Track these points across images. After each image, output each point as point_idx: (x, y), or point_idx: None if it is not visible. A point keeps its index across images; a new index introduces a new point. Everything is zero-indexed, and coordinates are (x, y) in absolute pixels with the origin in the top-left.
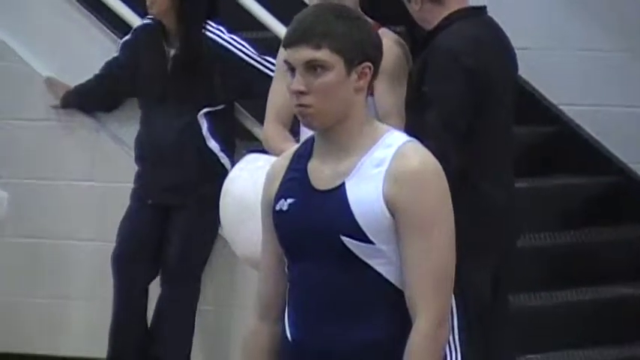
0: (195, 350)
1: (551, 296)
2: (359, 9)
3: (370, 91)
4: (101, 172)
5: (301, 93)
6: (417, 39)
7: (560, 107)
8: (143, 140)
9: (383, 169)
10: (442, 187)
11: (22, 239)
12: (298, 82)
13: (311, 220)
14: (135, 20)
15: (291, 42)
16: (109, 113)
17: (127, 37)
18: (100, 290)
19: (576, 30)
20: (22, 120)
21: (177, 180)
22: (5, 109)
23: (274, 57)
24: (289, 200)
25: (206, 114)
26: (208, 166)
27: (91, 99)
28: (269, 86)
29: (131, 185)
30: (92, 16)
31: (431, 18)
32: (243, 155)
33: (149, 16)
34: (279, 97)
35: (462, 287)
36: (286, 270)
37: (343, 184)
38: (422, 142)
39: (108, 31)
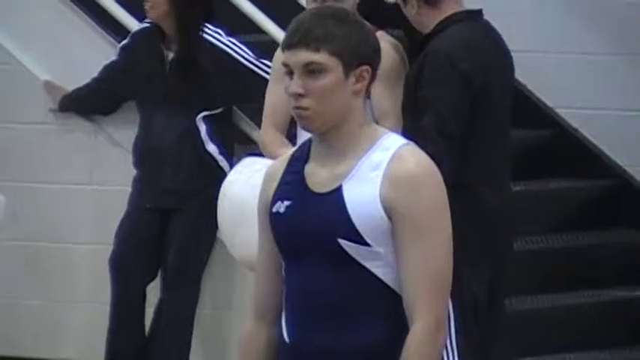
0: (193, 353)
1: (547, 299)
2: (356, 12)
3: (367, 94)
4: (99, 175)
5: (299, 95)
6: (414, 43)
7: (557, 110)
8: (141, 144)
9: (380, 172)
10: (439, 190)
11: (19, 242)
12: (296, 85)
13: (308, 223)
14: (133, 24)
15: (290, 44)
16: (106, 117)
17: (125, 41)
18: (97, 293)
19: (573, 33)
20: (19, 123)
21: (176, 183)
22: (3, 112)
23: (272, 60)
24: (286, 202)
25: (204, 117)
26: (207, 170)
27: (88, 103)
28: (265, 89)
29: (129, 189)
30: (90, 20)
31: (427, 22)
32: (241, 159)
33: (147, 20)
34: (275, 100)
35: (459, 290)
36: (283, 272)
37: (340, 186)
38: (418, 145)
39: (106, 34)
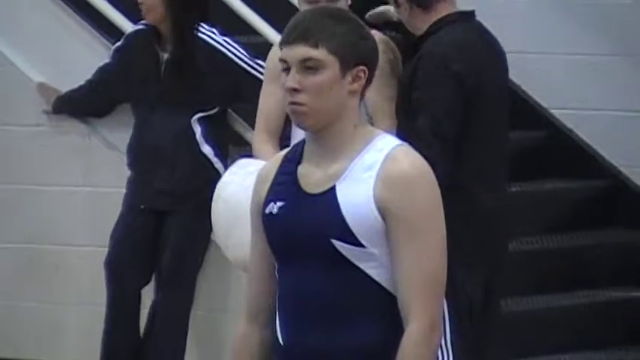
0: (188, 355)
1: (543, 300)
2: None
3: (363, 95)
4: (93, 177)
5: (295, 90)
6: (408, 44)
7: (552, 111)
8: (136, 144)
9: (373, 173)
10: (433, 190)
11: (14, 245)
12: (293, 80)
13: (301, 224)
14: (127, 26)
15: (289, 40)
16: (100, 119)
17: (119, 43)
18: (94, 295)
19: (567, 34)
20: (13, 125)
21: (170, 185)
22: None
23: (265, 61)
24: (279, 203)
25: (200, 119)
26: (202, 171)
27: (82, 105)
28: (259, 89)
29: (123, 190)
30: (84, 22)
31: (419, 24)
32: (235, 160)
33: (143, 22)
34: (268, 103)
35: (454, 291)
36: (276, 273)
37: (334, 187)
38: (413, 147)
39: (100, 36)
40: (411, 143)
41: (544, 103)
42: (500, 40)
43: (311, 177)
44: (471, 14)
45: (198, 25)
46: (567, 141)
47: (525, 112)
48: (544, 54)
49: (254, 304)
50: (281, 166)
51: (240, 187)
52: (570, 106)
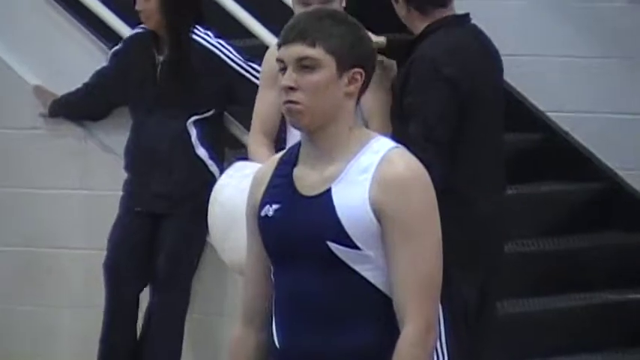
0: (184, 358)
1: (539, 303)
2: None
3: (359, 98)
4: (89, 180)
5: (291, 89)
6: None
7: (548, 114)
8: (133, 147)
9: (369, 175)
10: (428, 193)
11: (10, 248)
12: (289, 78)
13: (297, 226)
14: (124, 30)
15: (286, 39)
16: (97, 122)
17: (117, 47)
18: (89, 298)
19: (563, 37)
20: (9, 128)
21: (166, 188)
22: None
23: (260, 64)
24: (275, 206)
25: (195, 122)
26: (197, 174)
27: (78, 108)
28: (252, 92)
29: (120, 193)
30: (81, 25)
31: (416, 24)
32: (231, 163)
33: (141, 26)
34: (264, 106)
35: (450, 294)
36: (272, 276)
37: (329, 189)
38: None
39: (97, 40)
40: (406, 147)
41: (540, 106)
42: (495, 42)
43: (307, 179)
44: (465, 17)
45: (194, 27)
46: (563, 143)
47: (521, 114)
48: (540, 57)
49: (250, 307)
50: (277, 168)
51: (236, 190)
52: (566, 109)
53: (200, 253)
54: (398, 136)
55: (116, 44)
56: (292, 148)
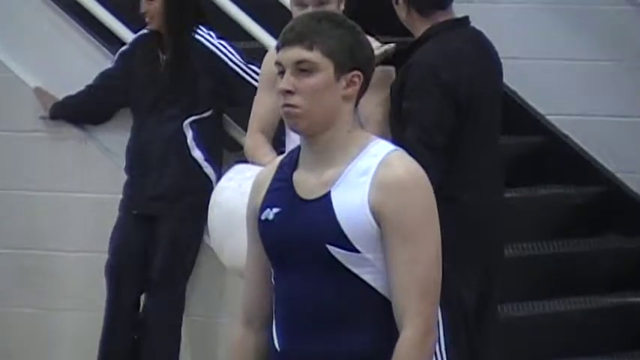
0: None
1: (538, 306)
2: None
3: (357, 101)
4: (90, 182)
5: (288, 92)
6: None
7: (548, 117)
8: (133, 148)
9: (368, 178)
10: (428, 196)
11: (10, 251)
12: (287, 82)
13: (297, 230)
14: (125, 32)
15: (284, 42)
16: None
17: (124, 48)
18: (89, 301)
19: (563, 40)
20: (10, 131)
21: (160, 190)
22: None
23: (260, 67)
24: (275, 210)
25: (192, 123)
26: (192, 176)
27: (80, 110)
28: (252, 94)
29: (120, 196)
30: (81, 28)
31: (416, 27)
32: (231, 166)
33: (147, 27)
34: (262, 107)
35: (449, 297)
36: (272, 280)
37: (329, 193)
38: None
39: (97, 43)
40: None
41: (540, 109)
42: (495, 45)
43: (306, 183)
44: (464, 20)
45: (197, 27)
46: (563, 147)
47: (521, 117)
48: (539, 60)
49: (250, 309)
50: (277, 172)
51: (236, 192)
52: (566, 112)
53: (195, 255)
54: (395, 141)
55: (117, 47)
56: (292, 151)
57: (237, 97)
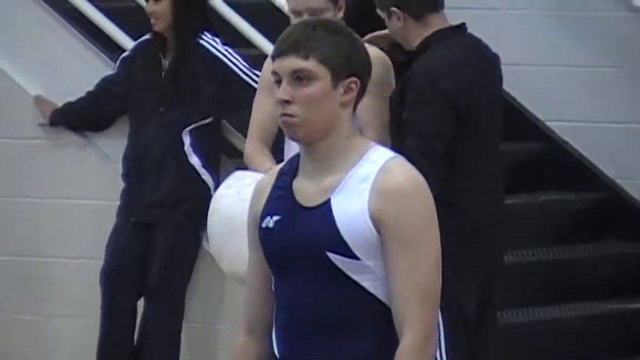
0: None
1: (538, 312)
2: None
3: (355, 107)
4: (89, 189)
5: (286, 102)
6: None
7: (548, 123)
8: (129, 156)
9: (368, 185)
10: (427, 203)
11: (9, 257)
12: (284, 92)
13: (297, 237)
14: (125, 40)
15: (279, 52)
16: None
17: (125, 54)
18: (88, 308)
19: (564, 46)
20: (10, 138)
21: (158, 197)
22: None
23: None
24: (275, 217)
25: (190, 129)
26: (189, 183)
27: (81, 116)
28: None
29: (118, 203)
30: (81, 36)
31: (412, 37)
32: (230, 172)
33: (150, 33)
34: (261, 113)
35: (448, 303)
36: (273, 287)
37: (329, 200)
38: None
39: (97, 50)
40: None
41: (540, 115)
42: (496, 52)
43: (306, 190)
44: (462, 27)
45: (201, 32)
46: (563, 153)
47: (521, 124)
48: (540, 66)
49: (252, 316)
50: (277, 180)
51: (235, 199)
52: (566, 118)
53: (193, 261)
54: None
55: (116, 54)
56: (292, 159)
57: (242, 102)
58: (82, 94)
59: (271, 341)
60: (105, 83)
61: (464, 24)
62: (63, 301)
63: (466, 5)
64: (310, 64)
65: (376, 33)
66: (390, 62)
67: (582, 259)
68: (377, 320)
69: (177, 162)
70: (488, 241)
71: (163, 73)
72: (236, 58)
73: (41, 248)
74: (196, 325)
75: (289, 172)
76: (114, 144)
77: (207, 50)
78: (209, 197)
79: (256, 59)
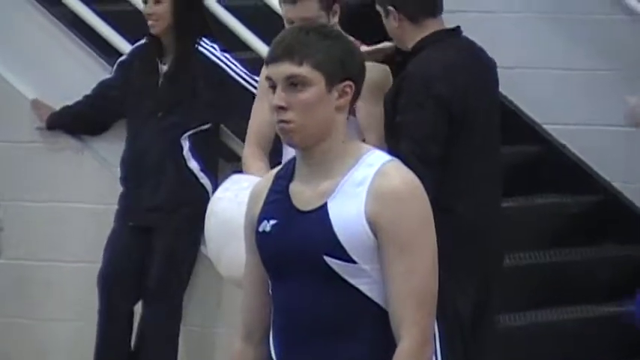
0: None
1: (535, 316)
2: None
3: (351, 111)
4: (86, 193)
5: (282, 108)
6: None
7: (545, 127)
8: (127, 160)
9: (364, 189)
10: (424, 206)
11: (7, 261)
12: (279, 98)
13: (294, 241)
14: (122, 44)
15: (273, 58)
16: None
17: (122, 58)
18: (85, 312)
19: (560, 49)
20: (7, 142)
21: (156, 201)
22: None
23: None
24: (272, 221)
25: (189, 135)
26: (188, 187)
27: (78, 120)
28: None
29: (116, 207)
30: (79, 40)
31: (407, 38)
32: (228, 176)
33: (146, 37)
34: (259, 119)
35: (445, 307)
36: (270, 291)
37: (325, 204)
38: None
39: (94, 54)
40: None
41: (536, 119)
42: (492, 55)
43: (303, 194)
44: (457, 31)
45: (200, 38)
46: (560, 156)
47: (518, 127)
48: (536, 69)
49: (249, 321)
50: (273, 184)
51: (232, 202)
52: (563, 122)
53: (191, 265)
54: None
55: (113, 58)
56: (288, 163)
57: (242, 108)
58: (79, 97)
59: (269, 346)
60: (102, 87)
61: (459, 27)
62: (60, 305)
63: (462, 8)
64: (304, 70)
65: (369, 48)
66: (389, 70)
67: (579, 262)
68: (374, 324)
69: (176, 166)
70: (485, 243)
71: (161, 80)
72: (235, 64)
73: (38, 252)
74: (194, 329)
75: (285, 176)
76: (111, 148)
77: (206, 57)
78: (208, 201)
79: (253, 62)
